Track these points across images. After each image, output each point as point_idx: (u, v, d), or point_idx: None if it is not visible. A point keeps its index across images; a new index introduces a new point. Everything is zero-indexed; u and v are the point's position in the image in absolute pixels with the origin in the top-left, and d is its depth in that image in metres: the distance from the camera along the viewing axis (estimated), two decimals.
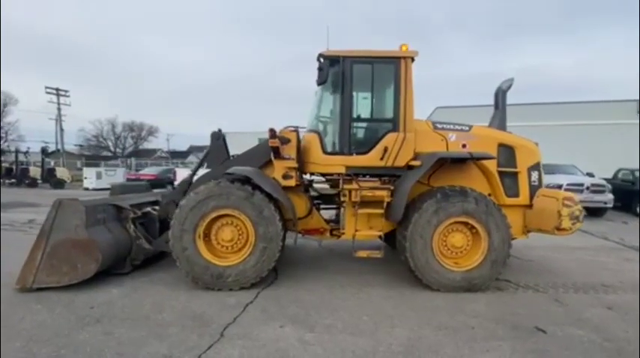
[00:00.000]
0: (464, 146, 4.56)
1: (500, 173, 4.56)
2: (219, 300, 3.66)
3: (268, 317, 3.30)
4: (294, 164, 4.43)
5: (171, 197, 5.03)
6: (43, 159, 19.01)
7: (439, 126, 4.66)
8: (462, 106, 24.25)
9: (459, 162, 4.43)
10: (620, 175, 11.91)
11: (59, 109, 32.06)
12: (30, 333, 2.90)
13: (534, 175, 4.67)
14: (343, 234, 4.64)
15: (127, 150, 60.36)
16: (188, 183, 5.07)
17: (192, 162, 52.55)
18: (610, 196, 9.78)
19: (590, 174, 10.87)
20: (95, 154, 52.92)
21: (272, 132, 4.20)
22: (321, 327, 3.10)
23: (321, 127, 4.71)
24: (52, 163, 22.90)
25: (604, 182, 10.03)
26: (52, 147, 32.64)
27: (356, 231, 4.26)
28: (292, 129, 4.58)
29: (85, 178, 17.44)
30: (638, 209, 10.33)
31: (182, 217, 3.86)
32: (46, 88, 31.23)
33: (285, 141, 4.37)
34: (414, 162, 4.18)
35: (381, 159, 4.33)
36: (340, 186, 4.43)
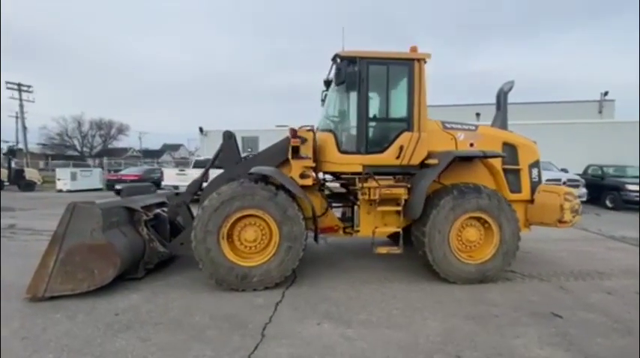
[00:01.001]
0: (471, 145, 4.78)
1: (504, 170, 4.82)
2: (246, 301, 3.65)
3: (302, 315, 3.33)
4: (312, 163, 4.47)
5: (182, 198, 4.92)
6: (9, 160, 17.65)
7: (448, 125, 4.86)
8: (438, 106, 25.22)
9: (467, 160, 4.65)
10: (590, 171, 12.85)
11: (21, 106, 29.86)
12: (59, 344, 2.76)
13: (534, 172, 4.99)
14: (358, 231, 4.74)
15: (95, 150, 57.38)
16: (199, 184, 4.98)
17: (166, 162, 50.76)
18: (584, 190, 10.55)
19: (565, 170, 11.66)
20: (60, 154, 49.81)
21: (294, 131, 4.21)
22: (358, 323, 3.18)
23: (335, 127, 4.76)
24: (14, 163, 21.33)
25: (578, 177, 10.80)
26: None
27: (376, 228, 4.36)
28: (308, 128, 4.61)
29: (59, 179, 16.40)
30: (607, 202, 11.22)
31: (205, 218, 3.79)
32: (7, 83, 29.03)
33: (303, 140, 4.39)
34: (431, 161, 4.34)
35: (397, 157, 4.46)
36: (357, 185, 4.52)
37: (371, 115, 4.56)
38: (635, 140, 17.99)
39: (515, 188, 4.87)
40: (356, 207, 4.84)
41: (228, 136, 4.85)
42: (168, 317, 3.24)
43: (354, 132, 4.53)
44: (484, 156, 4.46)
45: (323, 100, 5.94)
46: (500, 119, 5.28)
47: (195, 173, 11.56)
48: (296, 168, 4.44)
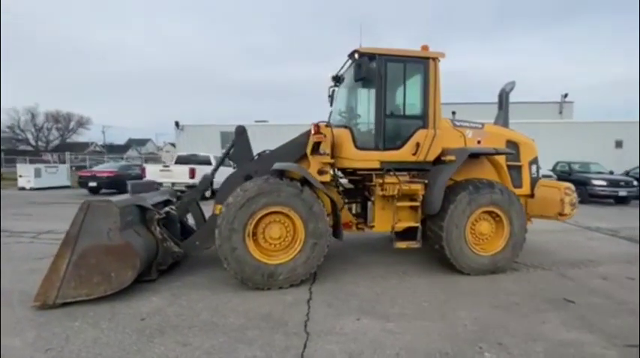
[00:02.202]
0: (478, 142, 4.98)
1: (508, 166, 5.09)
2: (275, 299, 3.58)
3: (337, 311, 3.33)
4: (330, 159, 4.45)
5: (192, 196, 4.73)
6: None
7: (457, 123, 5.03)
8: None
9: (478, 156, 4.84)
10: (558, 167, 13.85)
11: None
12: (91, 353, 2.56)
13: (533, 168, 5.30)
14: (372, 227, 4.79)
15: (52, 144, 53.32)
16: (210, 181, 4.80)
17: (132, 157, 48.13)
18: None
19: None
20: (11, 149, 45.72)
21: (317, 127, 4.17)
22: (394, 316, 3.23)
23: (352, 123, 4.77)
24: None
25: (552, 173, 11.62)
26: None
27: (396, 222, 4.43)
28: (326, 124, 4.58)
29: (20, 176, 15.01)
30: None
31: (231, 216, 3.67)
32: None
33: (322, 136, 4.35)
34: (449, 157, 4.47)
35: (414, 154, 4.56)
36: (373, 181, 4.56)
37: (388, 112, 4.61)
38: (593, 139, 19.68)
39: (517, 183, 5.14)
40: (369, 203, 4.88)
41: (241, 132, 4.70)
42: (200, 320, 3.11)
43: (372, 128, 4.56)
44: (496, 153, 4.68)
45: (330, 96, 5.93)
46: (503, 118, 5.55)
47: (181, 169, 11.11)
48: (314, 164, 4.40)
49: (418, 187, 4.44)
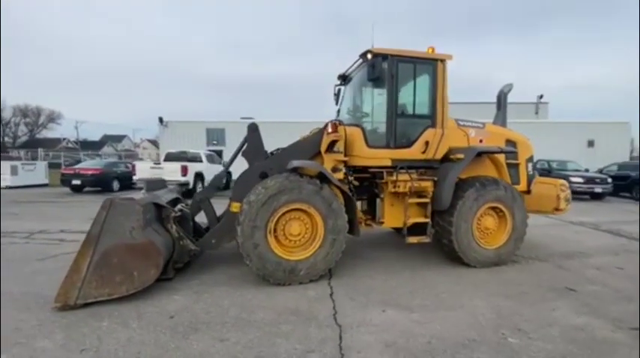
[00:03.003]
0: (480, 141, 5.22)
1: (507, 164, 5.36)
2: (298, 294, 3.65)
3: (361, 304, 3.44)
4: (343, 157, 4.54)
5: (205, 193, 4.69)
6: None
7: (461, 123, 5.24)
8: None
9: (480, 154, 5.07)
10: (538, 165, 14.56)
11: None
12: (129, 353, 2.54)
13: (530, 166, 5.61)
14: (382, 223, 4.94)
15: (20, 140, 50.55)
16: (221, 179, 4.78)
17: (107, 155, 46.25)
18: None
19: None
20: None
21: (335, 126, 4.24)
22: (417, 308, 3.38)
23: (363, 121, 4.87)
24: None
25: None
26: None
27: (407, 218, 4.59)
28: (339, 122, 4.66)
29: None
30: None
31: (253, 213, 3.69)
32: None
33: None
34: (458, 156, 4.66)
35: (423, 152, 4.72)
36: (385, 178, 4.70)
37: (399, 112, 4.74)
38: (568, 138, 20.79)
39: (515, 180, 5.42)
40: (378, 200, 5.02)
41: (254, 129, 4.70)
42: (230, 316, 3.14)
43: (383, 127, 4.69)
44: (501, 152, 4.92)
45: (336, 95, 6.02)
46: (501, 118, 5.83)
47: (172, 167, 10.88)
48: (328, 162, 4.47)
49: (428, 184, 4.61)
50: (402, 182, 4.49)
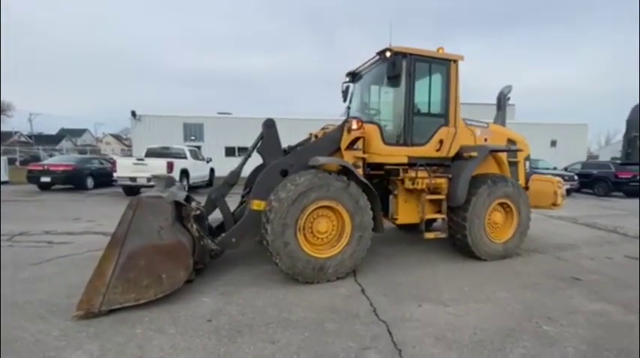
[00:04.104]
0: (485, 140, 5.45)
1: (508, 162, 5.65)
2: (329, 292, 3.63)
3: (396, 300, 3.48)
4: (363, 154, 4.55)
5: (221, 191, 4.52)
6: None
7: (468, 122, 5.43)
8: None
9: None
10: None
11: None
12: None
13: (527, 164, 5.96)
14: (396, 219, 5.02)
15: None
16: (237, 176, 4.62)
17: (66, 149, 43.03)
18: None
19: None
20: None
21: (361, 123, 4.23)
22: (450, 301, 3.47)
23: (380, 119, 4.91)
24: None
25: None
26: None
27: (425, 214, 4.69)
28: (359, 119, 4.65)
29: None
30: None
31: (284, 211, 3.60)
32: None
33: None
34: (472, 154, 4.83)
35: (437, 150, 4.85)
36: (400, 175, 4.77)
37: (415, 110, 4.83)
38: (533, 138, 22.17)
39: (515, 177, 5.73)
40: (391, 197, 5.08)
41: (270, 125, 4.57)
42: (270, 317, 3.05)
43: (400, 124, 4.75)
44: (508, 150, 5.16)
45: (344, 92, 6.01)
46: (501, 118, 6.12)
47: (158, 163, 10.34)
48: (348, 158, 4.46)
49: (443, 181, 4.75)
50: (421, 179, 4.58)
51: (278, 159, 4.42)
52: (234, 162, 22.68)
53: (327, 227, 3.94)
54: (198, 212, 3.99)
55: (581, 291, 3.83)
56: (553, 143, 22.85)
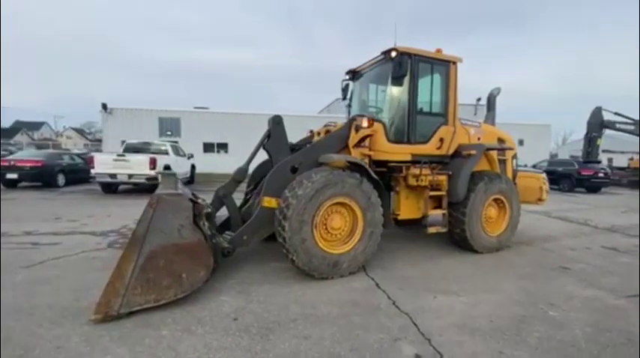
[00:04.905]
0: (478, 138, 5.74)
1: (497, 160, 5.98)
2: (345, 287, 3.70)
3: (412, 293, 3.61)
4: (369, 151, 4.65)
5: (228, 189, 4.44)
6: None
7: (463, 122, 5.69)
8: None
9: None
10: None
11: None
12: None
13: (514, 162, 6.33)
14: (398, 215, 5.17)
15: None
16: (244, 173, 4.55)
17: (21, 144, 39.82)
18: None
19: None
20: None
21: (372, 121, 4.31)
22: (461, 292, 3.65)
23: (383, 117, 5.01)
24: None
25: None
26: None
27: (428, 210, 4.87)
28: (370, 117, 4.73)
29: None
30: None
31: (301, 208, 3.62)
32: None
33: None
34: (471, 152, 5.06)
35: (438, 148, 5.05)
36: (403, 172, 4.92)
37: (418, 109, 4.98)
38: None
39: (504, 174, 6.08)
40: (393, 193, 5.22)
41: (278, 121, 4.55)
42: (296, 313, 3.07)
43: (403, 123, 4.88)
44: (502, 149, 5.46)
45: (344, 90, 6.07)
46: (491, 118, 6.45)
47: (140, 159, 9.89)
48: (355, 156, 4.54)
49: (444, 178, 4.95)
50: (425, 176, 4.75)
51: (286, 156, 4.41)
52: (214, 158, 22.17)
53: (341, 223, 4.00)
54: (209, 210, 3.91)
55: (572, 279, 4.17)
56: (521, 142, 24.26)
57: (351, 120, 4.68)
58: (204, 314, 3.00)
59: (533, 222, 7.93)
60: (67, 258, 4.42)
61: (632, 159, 22.05)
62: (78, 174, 12.64)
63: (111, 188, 10.43)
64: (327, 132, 5.12)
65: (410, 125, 4.84)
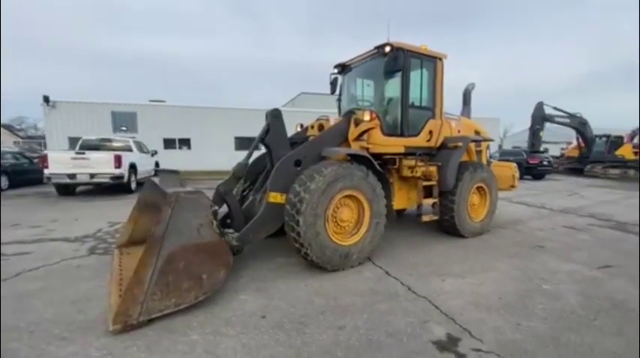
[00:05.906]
0: (459, 131, 6.13)
1: (475, 151, 6.44)
2: (358, 277, 3.79)
3: (421, 277, 3.80)
4: (367, 144, 4.76)
5: (229, 186, 4.29)
6: None
7: (446, 115, 6.03)
8: (323, 94, 27.52)
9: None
10: None
11: None
12: (261, 356, 2.34)
13: (489, 152, 6.85)
14: (392, 206, 5.36)
15: None
16: (244, 168, 4.42)
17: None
18: None
19: None
20: None
21: (374, 114, 4.38)
22: (465, 274, 3.92)
23: (378, 111, 5.13)
24: None
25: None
26: None
27: (422, 199, 5.11)
28: (372, 111, 4.81)
29: None
30: None
31: (314, 202, 3.61)
32: None
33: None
34: (458, 144, 5.37)
35: (428, 141, 5.30)
36: (397, 163, 5.11)
37: (409, 103, 5.17)
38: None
39: None
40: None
41: (277, 115, 4.47)
42: (321, 305, 3.09)
43: (397, 117, 5.05)
44: (483, 140, 5.88)
45: (332, 83, 6.11)
46: (467, 112, 6.89)
47: (103, 157, 9.08)
48: (355, 148, 4.62)
49: (434, 169, 5.23)
50: (419, 167, 4.98)
51: (286, 150, 4.36)
52: (176, 154, 20.98)
53: (349, 215, 4.07)
54: (216, 208, 3.75)
55: (549, 256, 4.67)
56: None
57: (349, 113, 4.75)
58: (229, 314, 2.91)
59: (499, 208, 8.63)
60: (47, 268, 3.98)
61: (564, 148, 24.84)
62: (23, 176, 11.25)
63: (68, 189, 9.45)
64: (321, 126, 5.14)
65: (403, 118, 5.02)
